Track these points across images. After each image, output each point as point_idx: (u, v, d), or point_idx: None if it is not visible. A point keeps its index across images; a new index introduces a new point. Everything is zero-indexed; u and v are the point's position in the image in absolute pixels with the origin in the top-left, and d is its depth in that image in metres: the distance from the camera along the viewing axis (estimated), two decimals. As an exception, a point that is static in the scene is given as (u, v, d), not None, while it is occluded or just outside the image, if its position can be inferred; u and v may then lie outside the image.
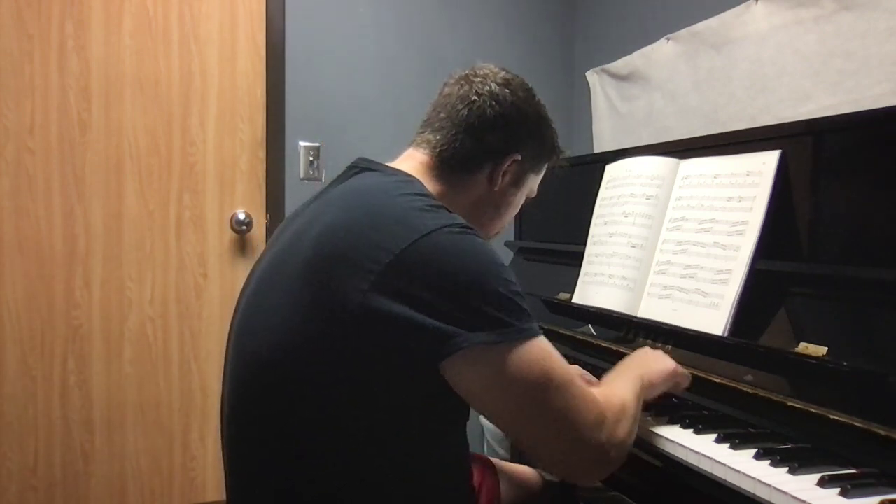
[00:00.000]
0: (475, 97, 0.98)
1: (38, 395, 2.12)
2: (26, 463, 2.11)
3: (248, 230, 2.31)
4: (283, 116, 2.35)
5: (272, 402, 0.84)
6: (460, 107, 0.98)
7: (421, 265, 0.78)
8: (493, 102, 0.98)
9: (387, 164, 0.98)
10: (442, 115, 0.99)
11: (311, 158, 2.40)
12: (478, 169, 0.99)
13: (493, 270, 0.81)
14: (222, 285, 2.28)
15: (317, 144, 2.40)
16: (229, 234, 2.30)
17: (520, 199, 1.08)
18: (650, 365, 1.04)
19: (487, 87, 0.98)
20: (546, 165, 1.10)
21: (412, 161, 0.99)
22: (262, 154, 2.34)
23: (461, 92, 0.99)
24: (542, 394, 0.79)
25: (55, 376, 2.13)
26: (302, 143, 2.39)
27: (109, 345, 2.19)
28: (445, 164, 0.98)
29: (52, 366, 2.13)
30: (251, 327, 0.89)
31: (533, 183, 1.09)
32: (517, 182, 1.04)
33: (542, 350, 0.81)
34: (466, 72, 1.02)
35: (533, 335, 0.81)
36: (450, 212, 0.86)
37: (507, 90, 0.99)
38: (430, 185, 0.95)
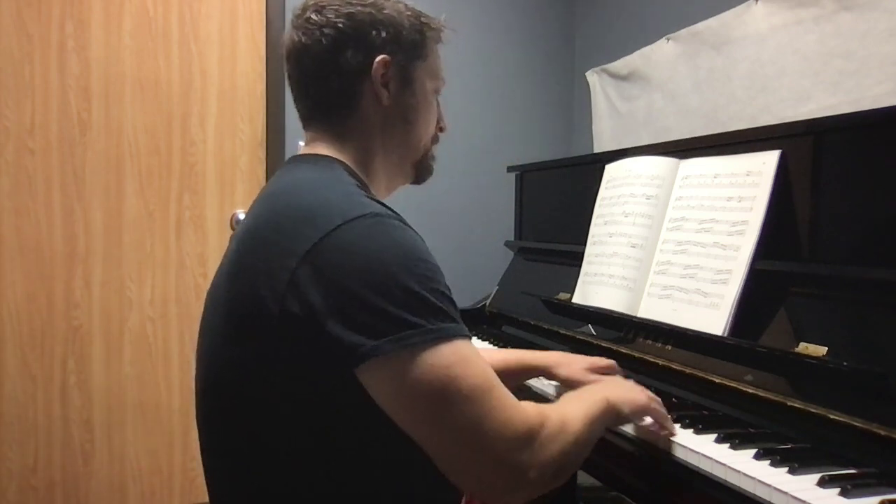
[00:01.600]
0: (304, 38, 0.89)
1: (38, 395, 2.12)
2: (26, 463, 2.11)
3: (248, 230, 2.31)
4: (283, 116, 2.35)
5: (218, 415, 0.83)
6: (301, 58, 0.91)
7: (327, 266, 0.73)
8: (323, 29, 0.88)
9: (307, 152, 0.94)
10: (294, 77, 0.94)
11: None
12: (359, 97, 0.91)
13: (403, 265, 0.73)
14: (222, 285, 2.28)
15: (317, 144, 2.40)
16: (229, 235, 2.30)
17: (425, 95, 0.96)
18: (622, 392, 0.96)
19: (310, 22, 0.89)
20: (427, 42, 0.95)
21: (315, 144, 0.93)
22: (262, 154, 2.34)
23: (292, 44, 0.92)
24: (449, 404, 0.71)
25: (55, 376, 2.13)
26: (302, 143, 2.37)
27: (109, 345, 2.19)
28: (332, 121, 0.92)
29: (52, 366, 2.13)
30: (201, 343, 0.89)
31: (428, 69, 0.96)
32: (406, 80, 0.93)
33: (454, 353, 0.73)
34: (290, 22, 0.94)
35: (445, 336, 0.73)
36: (368, 196, 0.80)
37: (328, 9, 0.89)
38: (344, 154, 0.91)
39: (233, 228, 2.29)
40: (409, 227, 0.80)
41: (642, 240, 1.36)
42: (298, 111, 0.97)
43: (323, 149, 0.92)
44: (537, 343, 1.59)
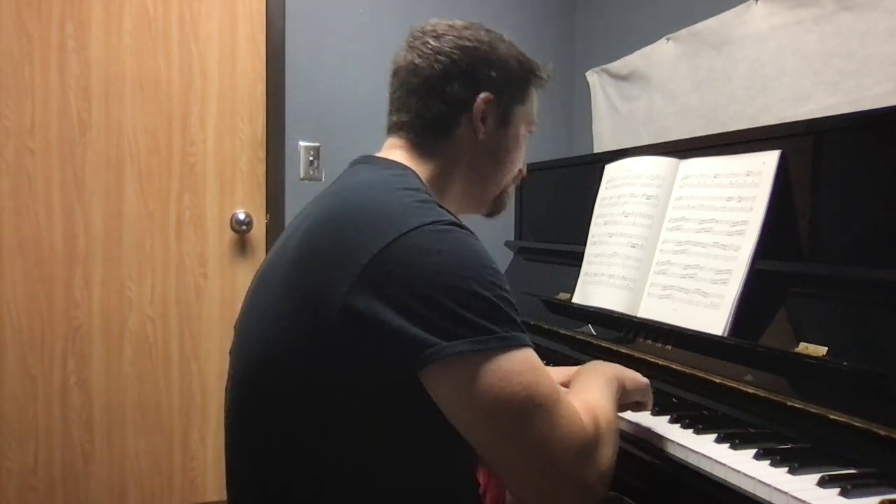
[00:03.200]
0: (419, 60, 0.93)
1: (38, 395, 2.12)
2: (26, 463, 2.11)
3: (248, 230, 2.31)
4: (283, 116, 2.36)
5: (266, 404, 0.83)
6: (410, 77, 0.94)
7: (399, 265, 0.73)
8: (438, 56, 0.92)
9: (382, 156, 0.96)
10: (398, 93, 0.97)
11: (311, 158, 2.40)
12: (455, 126, 0.94)
13: (476, 271, 0.75)
14: (222, 285, 2.28)
15: (317, 144, 2.40)
16: (229, 235, 2.30)
17: (516, 136, 1.00)
18: (624, 372, 0.98)
19: (427, 46, 0.93)
20: (530, 87, 1.00)
21: (395, 150, 0.96)
22: (262, 154, 2.34)
23: (405, 63, 0.95)
24: (520, 413, 0.71)
25: (55, 376, 2.13)
26: (302, 143, 2.39)
27: (109, 345, 2.19)
28: (423, 137, 0.94)
29: (52, 366, 2.13)
30: (248, 330, 0.89)
31: (524, 113, 1.00)
32: (503, 120, 0.97)
33: (525, 362, 0.73)
34: (406, 41, 0.97)
35: (517, 345, 0.74)
36: (441, 207, 0.82)
37: (446, 38, 0.93)
38: (422, 168, 0.93)
39: (233, 228, 2.29)
40: (478, 239, 0.81)
41: (642, 240, 1.36)
42: (389, 120, 0.99)
43: (400, 156, 0.94)
44: (537, 343, 1.59)
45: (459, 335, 0.71)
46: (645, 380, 1.00)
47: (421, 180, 0.91)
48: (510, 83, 0.97)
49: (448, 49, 0.92)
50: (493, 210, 1.06)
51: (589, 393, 0.87)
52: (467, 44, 0.93)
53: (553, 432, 0.73)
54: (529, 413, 0.72)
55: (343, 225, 0.79)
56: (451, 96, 0.93)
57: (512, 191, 1.07)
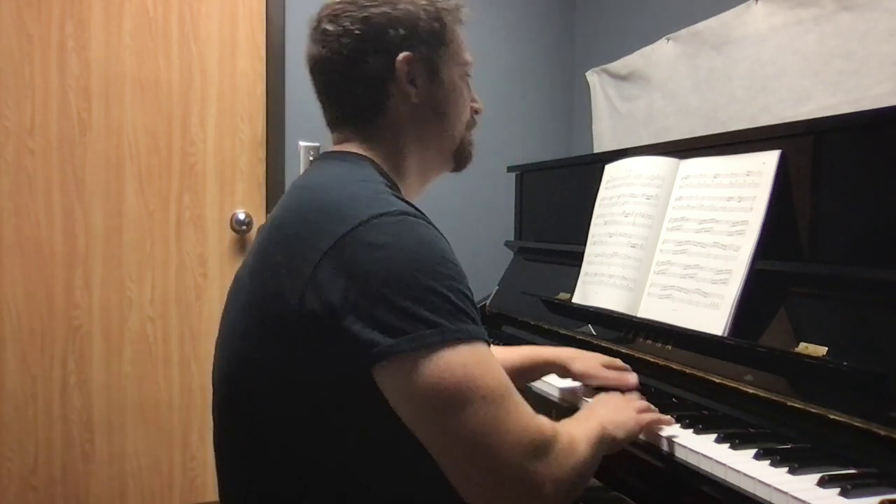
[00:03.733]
0: (324, 52, 0.89)
1: (38, 395, 2.12)
2: (26, 463, 2.11)
3: (248, 230, 2.31)
4: (283, 116, 2.35)
5: (240, 408, 0.83)
6: (323, 70, 0.91)
7: (348, 263, 0.72)
8: (341, 39, 0.88)
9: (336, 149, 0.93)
10: (322, 90, 0.93)
11: (311, 158, 2.40)
12: (387, 99, 0.90)
13: (424, 263, 0.72)
14: (222, 285, 2.28)
15: (317, 144, 2.40)
16: (229, 234, 2.30)
17: (453, 82, 0.95)
18: (613, 416, 0.92)
19: (326, 35, 0.89)
20: (447, 27, 0.94)
21: (346, 143, 0.93)
22: (262, 154, 2.34)
23: (316, 57, 0.91)
24: (462, 404, 0.69)
25: (55, 376, 2.13)
26: (302, 143, 2.39)
27: (109, 345, 2.19)
28: (363, 123, 0.91)
29: (52, 366, 2.13)
30: (221, 336, 0.89)
31: (452, 55, 0.94)
32: (432, 73, 0.92)
33: (472, 355, 0.71)
34: (308, 33, 0.93)
35: (464, 338, 0.71)
36: (394, 195, 0.80)
37: (343, 18, 0.88)
38: (374, 153, 0.91)
39: (233, 228, 2.29)
40: (435, 227, 0.79)
41: (642, 240, 1.36)
42: (325, 117, 0.96)
43: (353, 147, 0.92)
44: (537, 343, 1.59)
45: (405, 331, 0.69)
46: (633, 426, 0.94)
47: (378, 166, 0.89)
48: (424, 33, 0.90)
49: (349, 27, 0.87)
50: (459, 163, 1.01)
51: (562, 424, 0.83)
52: (365, 13, 0.88)
53: (499, 425, 0.70)
54: (473, 405, 0.69)
55: (295, 227, 0.78)
56: (371, 73, 0.88)
57: (472, 139, 1.01)
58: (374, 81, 0.89)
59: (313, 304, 0.72)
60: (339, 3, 0.90)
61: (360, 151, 0.91)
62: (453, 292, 0.73)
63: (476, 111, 1.01)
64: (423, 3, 0.91)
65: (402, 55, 0.88)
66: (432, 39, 0.91)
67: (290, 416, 0.78)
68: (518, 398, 0.74)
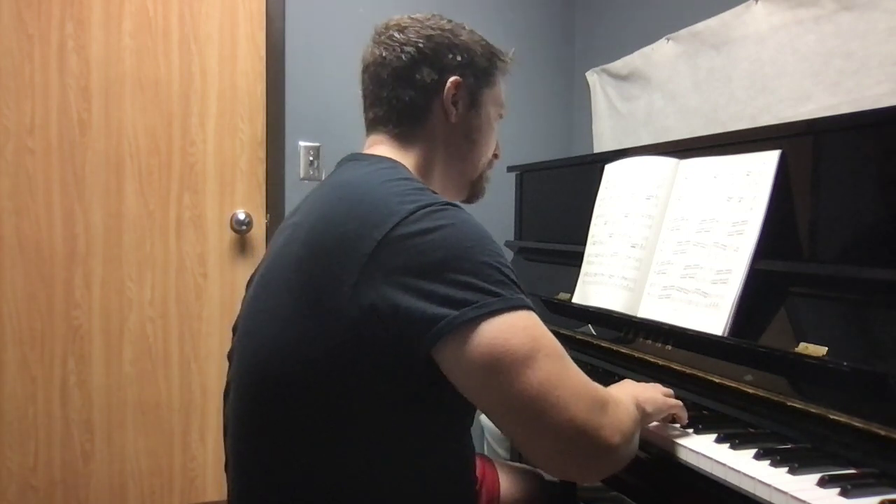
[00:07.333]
0: (385, 54, 0.98)
1: (38, 395, 2.12)
2: (26, 463, 2.11)
3: (248, 230, 2.31)
4: (283, 116, 2.35)
5: (276, 404, 0.83)
6: (380, 70, 0.98)
7: (403, 249, 0.76)
8: (404, 46, 0.97)
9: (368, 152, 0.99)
10: (370, 88, 1.00)
11: (311, 158, 2.40)
12: (428, 112, 0.98)
13: (477, 241, 0.78)
14: (222, 285, 2.29)
15: (317, 144, 2.40)
16: (229, 234, 2.30)
17: (488, 118, 1.04)
18: (642, 391, 0.97)
19: (392, 39, 0.98)
20: (495, 72, 1.05)
21: (378, 146, 0.99)
22: (262, 154, 2.34)
23: (373, 58, 0.99)
24: (525, 362, 0.72)
25: (55, 376, 2.13)
26: (302, 143, 2.39)
27: (109, 345, 2.19)
28: (401, 128, 0.98)
29: (52, 366, 2.13)
30: (253, 332, 0.89)
31: (493, 96, 1.04)
32: (473, 103, 1.01)
33: (531, 318, 0.76)
34: (371, 38, 1.02)
35: (522, 305, 0.76)
36: (434, 193, 0.85)
37: (410, 30, 0.98)
38: (406, 158, 0.96)
39: (233, 228, 2.29)
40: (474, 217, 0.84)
41: (642, 240, 1.36)
42: (367, 118, 1.02)
43: (385, 151, 0.97)
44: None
45: (468, 301, 0.73)
46: (662, 399, 0.99)
47: (409, 171, 0.93)
48: (476, 66, 1.01)
49: (413, 38, 0.97)
50: (472, 195, 1.09)
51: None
52: (431, 32, 0.98)
53: (564, 381, 0.73)
54: (538, 361, 0.73)
55: (346, 220, 0.81)
56: (421, 82, 0.97)
57: (489, 176, 1.09)
58: (423, 90, 0.97)
59: (369, 292, 0.75)
60: (409, 18, 1.00)
61: (391, 156, 0.96)
62: (505, 267, 0.78)
63: (496, 156, 1.09)
64: (481, 41, 1.03)
65: (453, 77, 0.98)
66: (481, 74, 1.02)
67: (324, 410, 0.80)
68: (574, 364, 0.78)
